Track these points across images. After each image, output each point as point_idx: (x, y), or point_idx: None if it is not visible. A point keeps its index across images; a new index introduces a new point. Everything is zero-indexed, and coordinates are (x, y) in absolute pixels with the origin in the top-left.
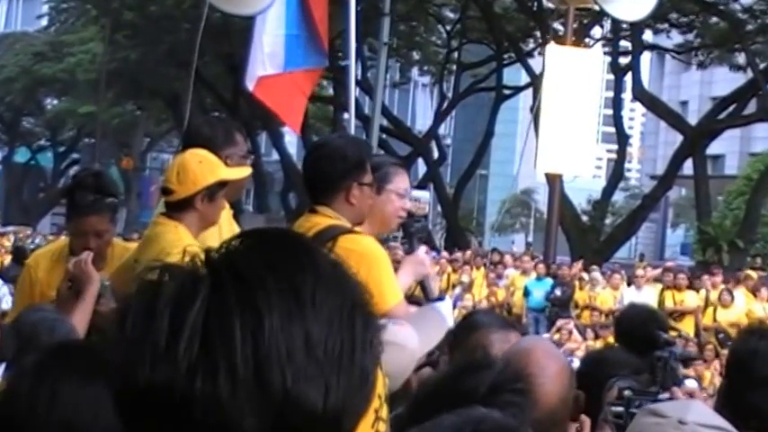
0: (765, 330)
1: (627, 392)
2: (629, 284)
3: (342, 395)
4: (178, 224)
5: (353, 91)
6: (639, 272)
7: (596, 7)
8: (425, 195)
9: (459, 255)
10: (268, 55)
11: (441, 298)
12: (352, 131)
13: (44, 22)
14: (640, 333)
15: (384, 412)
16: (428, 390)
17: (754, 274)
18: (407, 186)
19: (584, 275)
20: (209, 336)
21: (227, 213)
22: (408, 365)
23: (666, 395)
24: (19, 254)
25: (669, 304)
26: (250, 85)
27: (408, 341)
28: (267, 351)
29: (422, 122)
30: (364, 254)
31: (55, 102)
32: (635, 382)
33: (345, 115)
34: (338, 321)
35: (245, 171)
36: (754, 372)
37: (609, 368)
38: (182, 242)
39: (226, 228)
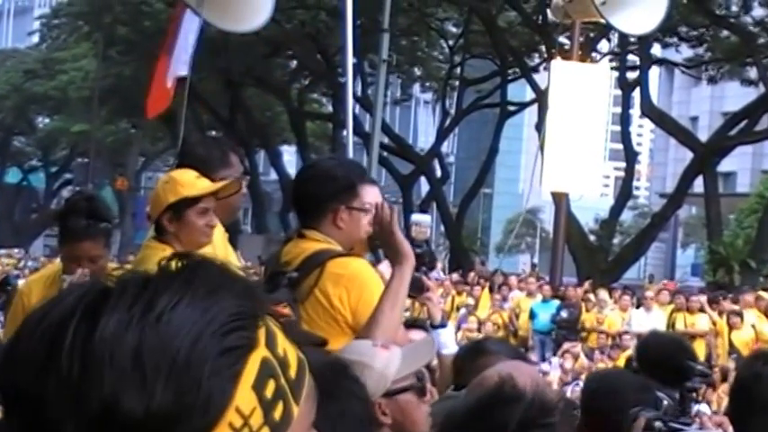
0: None
1: (657, 424)
2: (637, 306)
3: (168, 405)
4: (166, 247)
5: (351, 107)
6: (649, 293)
7: (603, 21)
8: (426, 219)
9: (462, 276)
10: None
11: (443, 325)
12: (350, 149)
13: (35, 38)
14: (670, 364)
15: None
16: (456, 423)
17: (766, 295)
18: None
19: (591, 297)
20: (55, 338)
21: (220, 233)
22: (374, 387)
23: (696, 426)
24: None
25: (680, 327)
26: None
27: (378, 362)
28: (91, 355)
29: (424, 140)
30: (353, 278)
31: (47, 120)
32: (656, 410)
33: (344, 132)
34: (180, 337)
35: (210, 187)
36: (758, 396)
37: (624, 394)
38: None
39: (221, 249)
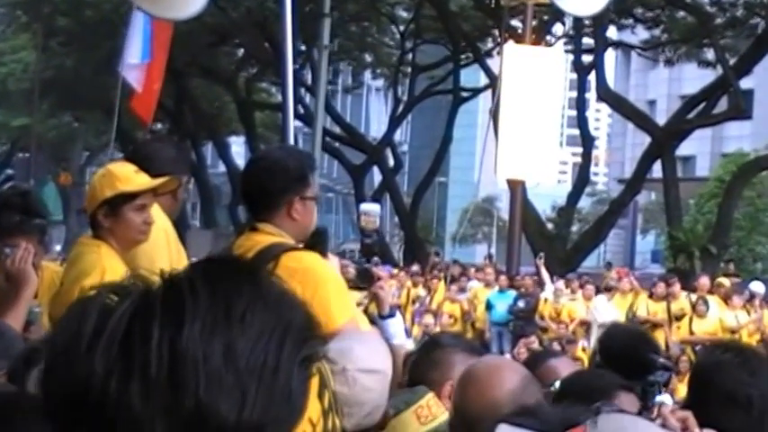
0: (730, 344)
1: None
2: (596, 293)
3: (260, 410)
4: (101, 243)
5: (291, 94)
6: (612, 282)
7: (552, 2)
8: (375, 208)
9: (418, 268)
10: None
11: (392, 314)
12: (291, 136)
13: None
14: (633, 357)
15: None
16: None
17: (726, 281)
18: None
19: (547, 294)
20: (130, 338)
21: (165, 226)
22: (386, 390)
23: (659, 421)
24: None
25: (642, 314)
26: (126, 73)
27: (383, 365)
28: (182, 356)
29: (376, 128)
30: (308, 271)
31: None
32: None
33: (298, 123)
34: (266, 340)
35: (148, 183)
36: (717, 385)
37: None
38: (101, 263)
39: (173, 246)
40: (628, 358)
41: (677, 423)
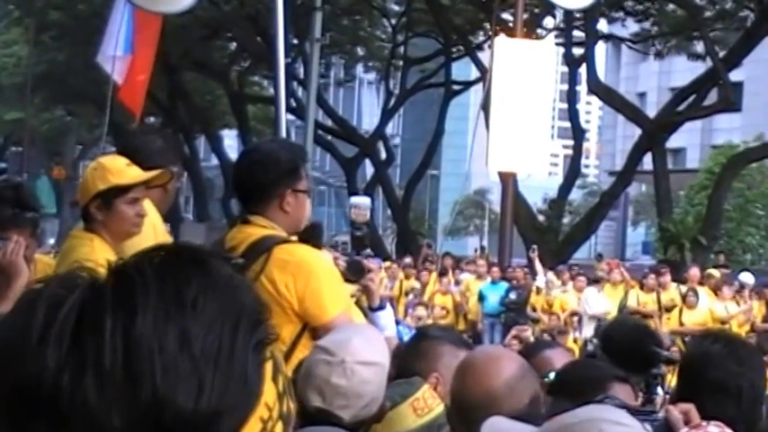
0: (720, 334)
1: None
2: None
3: (217, 396)
4: (94, 236)
5: (283, 87)
6: (602, 273)
7: None
8: (365, 201)
9: (410, 260)
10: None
11: (381, 307)
12: (283, 129)
13: None
14: (636, 351)
15: (278, 428)
16: None
17: (716, 272)
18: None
19: (539, 284)
20: (81, 330)
21: (154, 220)
22: (383, 382)
23: (663, 414)
24: None
25: (632, 305)
26: (104, 64)
27: (381, 357)
28: (137, 345)
29: (368, 121)
30: (301, 264)
31: None
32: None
33: (290, 116)
34: (220, 325)
35: (140, 176)
36: (707, 376)
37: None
38: (95, 255)
39: (160, 238)
40: (631, 352)
41: (680, 416)
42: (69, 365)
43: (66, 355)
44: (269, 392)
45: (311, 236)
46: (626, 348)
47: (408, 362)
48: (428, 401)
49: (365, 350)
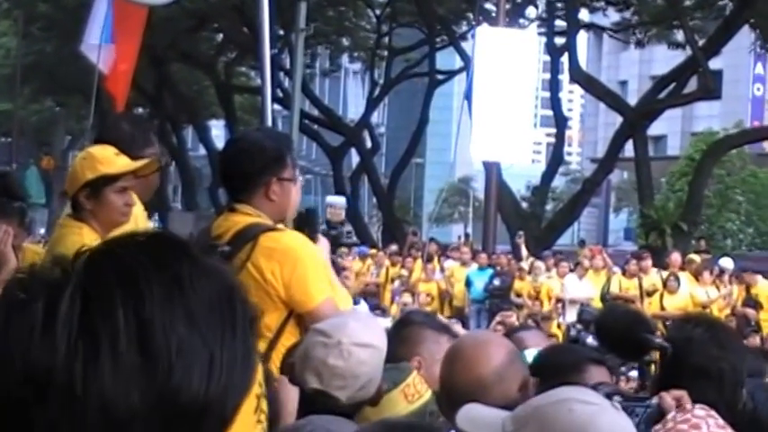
0: (700, 318)
1: (617, 398)
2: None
3: (226, 372)
4: (83, 225)
5: (269, 78)
6: (584, 260)
7: None
8: (341, 201)
9: (396, 248)
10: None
11: (355, 302)
12: (269, 119)
13: None
14: (629, 338)
15: (264, 405)
16: None
17: (696, 257)
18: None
19: (523, 265)
20: (89, 312)
21: (140, 211)
22: (380, 365)
23: (655, 400)
24: None
25: (614, 290)
26: (88, 52)
27: (377, 340)
28: (149, 326)
29: (354, 111)
30: (287, 251)
31: None
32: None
33: (276, 106)
34: (218, 303)
35: (129, 165)
36: (689, 360)
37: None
38: (83, 243)
39: (142, 226)
40: (624, 339)
41: (673, 402)
42: (80, 350)
43: (75, 341)
44: (258, 371)
45: (306, 222)
46: (617, 336)
47: (391, 347)
48: (418, 387)
49: (361, 332)
